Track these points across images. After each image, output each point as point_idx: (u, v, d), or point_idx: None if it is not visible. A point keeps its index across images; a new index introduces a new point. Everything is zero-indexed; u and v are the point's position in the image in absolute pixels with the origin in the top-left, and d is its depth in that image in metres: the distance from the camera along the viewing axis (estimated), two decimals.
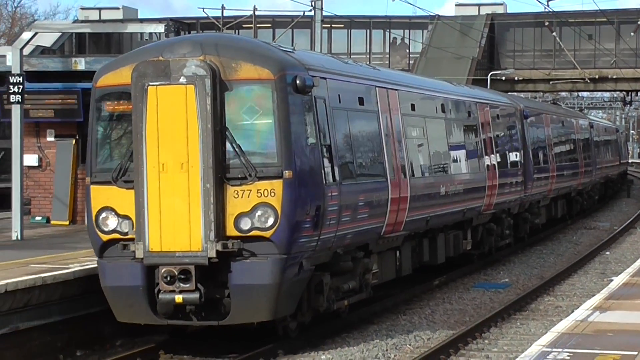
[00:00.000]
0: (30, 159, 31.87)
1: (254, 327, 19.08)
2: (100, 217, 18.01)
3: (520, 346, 19.02)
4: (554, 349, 15.63)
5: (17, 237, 28.89)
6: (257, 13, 61.83)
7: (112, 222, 17.99)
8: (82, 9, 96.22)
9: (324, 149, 19.43)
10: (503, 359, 19.00)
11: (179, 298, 16.95)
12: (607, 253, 39.77)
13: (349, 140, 21.40)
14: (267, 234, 17.39)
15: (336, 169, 19.91)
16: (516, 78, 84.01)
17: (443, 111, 29.51)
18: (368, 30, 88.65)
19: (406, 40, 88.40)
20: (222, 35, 19.94)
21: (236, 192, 17.33)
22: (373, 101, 23.26)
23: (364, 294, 22.26)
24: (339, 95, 20.94)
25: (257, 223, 17.38)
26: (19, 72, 28.74)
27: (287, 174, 17.48)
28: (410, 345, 22.14)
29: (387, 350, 21.48)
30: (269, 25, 77.42)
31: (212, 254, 16.77)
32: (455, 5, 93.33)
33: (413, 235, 26.00)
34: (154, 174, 17.06)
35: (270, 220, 17.44)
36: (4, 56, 34.20)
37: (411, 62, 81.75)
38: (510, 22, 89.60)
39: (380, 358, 20.86)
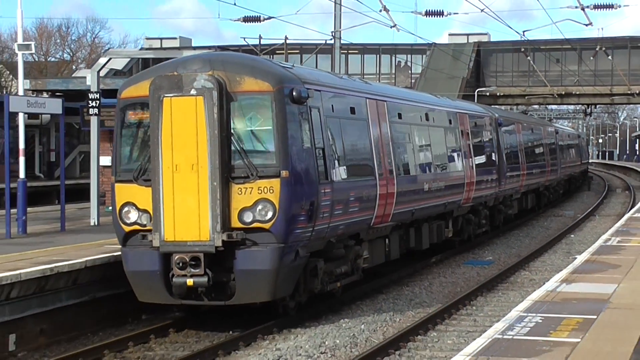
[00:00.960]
0: (105, 160, 32.23)
1: (257, 306, 18.76)
2: (123, 211, 17.88)
3: (502, 312, 19.06)
4: (529, 314, 15.73)
5: (94, 223, 30.19)
6: (287, 41, 61.98)
7: (133, 216, 17.81)
8: (147, 39, 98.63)
9: (318, 152, 19.09)
10: (488, 322, 18.98)
11: (190, 282, 16.80)
12: (572, 236, 39.64)
13: (341, 144, 21.04)
14: (267, 225, 17.14)
15: (329, 168, 19.59)
16: (498, 94, 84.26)
17: (427, 119, 28.80)
18: (377, 55, 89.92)
19: (409, 63, 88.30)
20: (228, 53, 20.00)
21: (240, 189, 17.09)
22: (364, 111, 22.92)
23: (355, 277, 21.94)
24: (332, 105, 20.69)
25: (258, 216, 17.07)
26: (96, 90, 29.76)
27: (284, 173, 17.26)
28: (412, 311, 22.10)
29: (393, 315, 21.63)
30: (297, 51, 77.58)
31: (219, 243, 16.63)
32: (449, 34, 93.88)
33: (400, 225, 25.31)
34: (169, 174, 16.96)
35: (270, 214, 17.15)
36: (85, 77, 37.82)
37: (413, 81, 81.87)
38: (493, 49, 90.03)
39: (387, 321, 21.01)
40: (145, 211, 17.89)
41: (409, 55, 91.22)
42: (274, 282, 17.53)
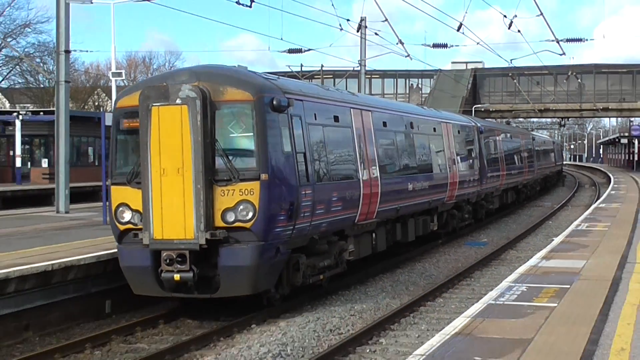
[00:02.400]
0: None
1: (246, 298, 16.74)
2: (118, 211, 16.07)
3: (495, 282, 18.95)
4: (516, 284, 15.77)
5: None
6: (323, 69, 62.01)
7: (127, 215, 15.96)
8: None
9: (299, 156, 16.97)
10: (483, 291, 18.91)
11: (177, 277, 15.08)
12: (550, 222, 39.39)
13: (324, 149, 18.74)
14: (248, 225, 15.27)
15: (310, 171, 17.38)
16: (490, 109, 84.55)
17: (412, 127, 26.11)
18: (395, 79, 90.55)
19: (420, 86, 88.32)
20: (214, 65, 17.55)
21: (223, 191, 15.23)
22: (348, 119, 20.42)
23: (339, 269, 19.62)
24: (315, 113, 18.41)
25: (240, 216, 15.21)
26: None
27: (264, 176, 15.38)
28: (423, 282, 22.11)
29: (408, 285, 21.44)
30: (331, 76, 77.18)
31: (202, 241, 14.91)
32: (452, 62, 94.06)
33: (386, 221, 23.03)
34: (157, 177, 15.20)
35: (250, 214, 15.26)
36: None
37: (423, 99, 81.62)
38: (487, 74, 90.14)
39: (404, 290, 20.86)
40: (137, 211, 16.09)
41: (420, 79, 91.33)
42: (255, 277, 15.62)
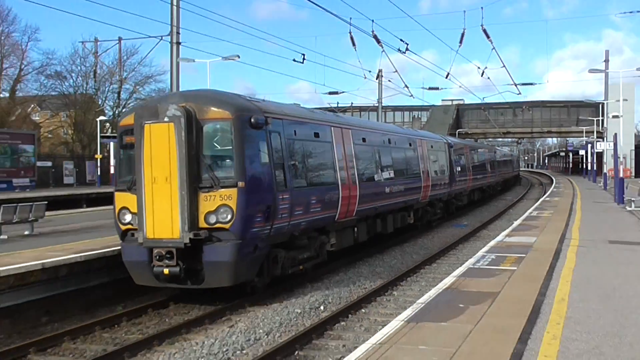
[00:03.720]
0: None
1: (236, 286, 14.05)
2: (120, 214, 13.92)
3: (473, 252, 18.76)
4: (488, 254, 15.61)
5: None
6: (352, 105, 62.06)
7: (127, 217, 13.77)
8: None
9: (277, 166, 14.34)
10: (465, 258, 18.71)
11: (166, 271, 13.00)
12: (511, 210, 39.03)
13: (304, 160, 16.00)
14: (227, 226, 12.98)
15: (288, 179, 14.71)
16: (469, 132, 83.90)
17: (389, 142, 23.07)
18: (402, 112, 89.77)
19: (419, 116, 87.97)
20: (202, 89, 15.67)
21: (206, 196, 13.00)
22: (328, 136, 17.54)
23: (320, 259, 17.02)
24: (295, 130, 15.69)
25: (220, 218, 12.96)
26: None
27: (240, 184, 13.02)
28: (423, 251, 22.11)
29: (412, 254, 21.47)
30: (358, 110, 76.94)
31: (187, 240, 12.74)
32: (442, 100, 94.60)
33: (367, 218, 20.04)
34: (149, 185, 13.11)
35: (229, 217, 12.94)
36: None
37: (421, 127, 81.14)
38: (466, 107, 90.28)
39: (409, 258, 20.78)
40: (135, 214, 13.74)
41: (420, 112, 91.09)
42: (234, 271, 13.19)
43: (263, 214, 13.57)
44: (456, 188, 33.04)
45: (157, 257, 13.05)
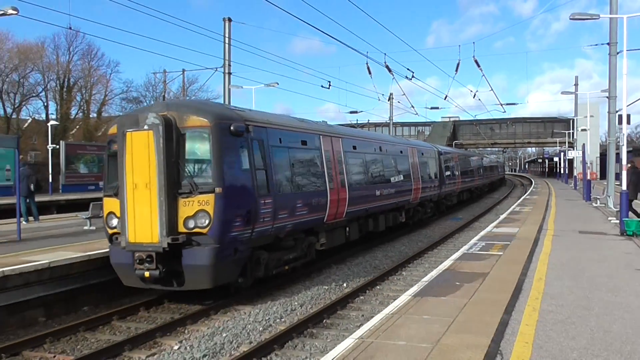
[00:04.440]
0: None
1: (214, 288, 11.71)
2: (108, 218, 11.91)
3: (466, 240, 18.67)
4: (479, 242, 15.49)
5: None
6: (369, 122, 61.96)
7: (114, 222, 11.74)
8: None
9: (259, 172, 12.03)
10: (460, 245, 18.64)
11: (147, 273, 10.99)
12: (498, 206, 38.63)
13: (289, 166, 13.49)
14: (205, 230, 10.92)
15: (271, 184, 12.36)
16: (463, 143, 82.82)
17: (380, 150, 20.49)
18: (409, 127, 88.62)
19: (423, 131, 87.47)
20: (183, 99, 9.86)
21: (185, 202, 10.97)
22: (317, 143, 15.12)
23: (308, 258, 14.75)
24: (280, 138, 13.24)
25: (198, 223, 10.93)
26: None
27: (218, 190, 10.97)
28: (426, 240, 21.86)
29: (417, 242, 21.34)
30: (374, 126, 76.55)
31: (165, 244, 10.75)
32: (441, 117, 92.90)
33: (358, 218, 17.76)
34: (131, 191, 11.11)
35: (206, 221, 10.93)
36: None
37: (425, 138, 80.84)
38: (461, 123, 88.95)
39: (414, 245, 20.57)
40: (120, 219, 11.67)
41: (423, 127, 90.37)
42: (213, 273, 11.05)
43: (243, 218, 11.42)
44: (446, 190, 31.10)
45: (138, 261, 11.14)
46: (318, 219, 14.68)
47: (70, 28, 49.85)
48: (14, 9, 18.65)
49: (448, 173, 32.29)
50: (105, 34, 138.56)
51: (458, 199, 36.61)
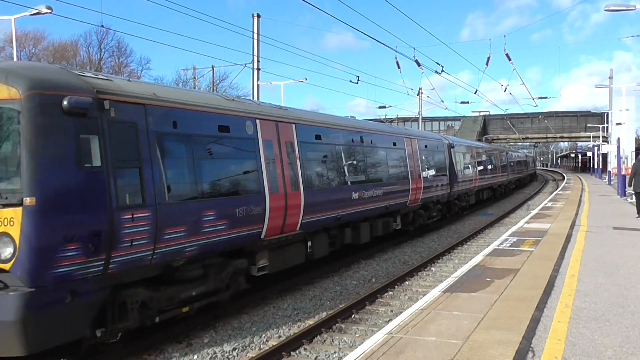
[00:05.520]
0: None
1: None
2: None
3: (497, 236, 18.47)
4: (510, 237, 15.31)
5: None
6: (398, 117, 61.58)
7: None
8: None
9: (122, 172, 7.62)
10: (491, 240, 18.46)
11: None
12: (529, 202, 38.12)
13: (192, 162, 9.05)
14: (6, 266, 6.60)
15: (150, 190, 7.96)
16: (494, 138, 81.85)
17: (362, 141, 15.52)
18: (439, 122, 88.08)
19: (453, 125, 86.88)
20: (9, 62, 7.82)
21: None
22: (250, 131, 10.47)
23: (232, 291, 10.27)
24: (175, 121, 8.64)
25: None
26: None
27: (29, 201, 6.55)
28: (455, 236, 21.68)
29: (447, 237, 21.08)
30: (402, 120, 76.16)
31: None
32: (471, 111, 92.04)
33: (326, 229, 13.47)
34: None
35: (8, 252, 6.61)
36: None
37: (455, 133, 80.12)
38: (491, 118, 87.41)
39: (445, 240, 20.32)
40: None
41: (452, 122, 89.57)
42: (25, 334, 6.59)
43: (83, 243, 7.08)
44: (458, 189, 26.38)
45: None
46: (250, 235, 10.37)
47: (102, 26, 50.87)
48: (48, 7, 19.07)
49: (462, 169, 27.95)
50: (136, 32, 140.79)
51: (476, 198, 32.30)
